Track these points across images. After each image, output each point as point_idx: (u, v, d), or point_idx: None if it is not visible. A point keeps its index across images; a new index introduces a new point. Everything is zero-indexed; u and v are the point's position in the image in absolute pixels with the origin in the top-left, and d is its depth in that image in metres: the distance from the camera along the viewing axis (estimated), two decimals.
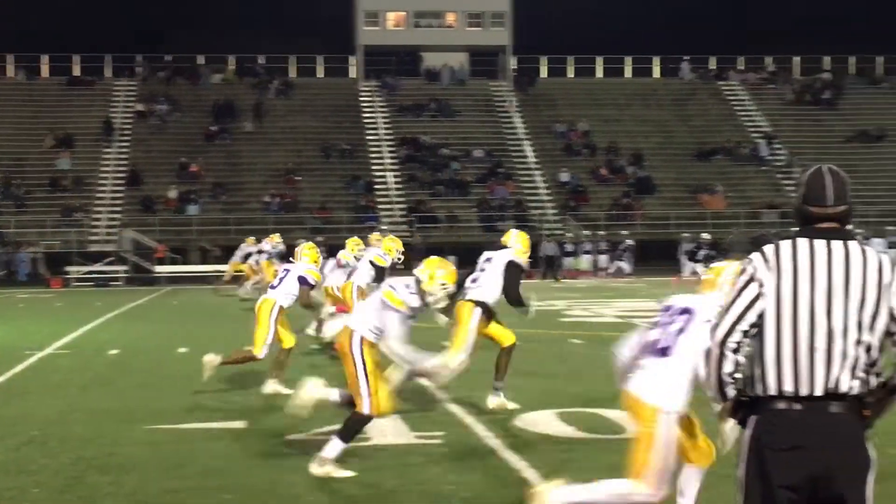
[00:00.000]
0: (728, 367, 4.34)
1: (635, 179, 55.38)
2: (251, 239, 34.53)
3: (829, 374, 4.20)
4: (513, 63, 65.01)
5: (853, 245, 4.30)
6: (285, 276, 13.61)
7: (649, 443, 6.30)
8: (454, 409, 11.81)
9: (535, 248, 47.89)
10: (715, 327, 4.40)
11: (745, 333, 4.32)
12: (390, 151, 56.87)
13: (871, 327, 4.21)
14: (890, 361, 4.32)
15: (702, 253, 41.78)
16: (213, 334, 21.40)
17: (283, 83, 61.46)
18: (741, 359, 4.34)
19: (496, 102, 61.81)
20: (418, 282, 9.11)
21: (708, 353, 4.40)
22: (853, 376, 4.20)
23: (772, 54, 66.46)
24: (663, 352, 6.43)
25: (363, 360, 8.88)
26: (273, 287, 13.60)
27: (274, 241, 32.12)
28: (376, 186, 54.10)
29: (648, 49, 65.55)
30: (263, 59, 63.83)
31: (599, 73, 65.99)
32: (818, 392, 4.20)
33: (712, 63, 66.22)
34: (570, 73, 65.82)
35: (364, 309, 9.30)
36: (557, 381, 13.79)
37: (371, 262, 17.13)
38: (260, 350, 13.14)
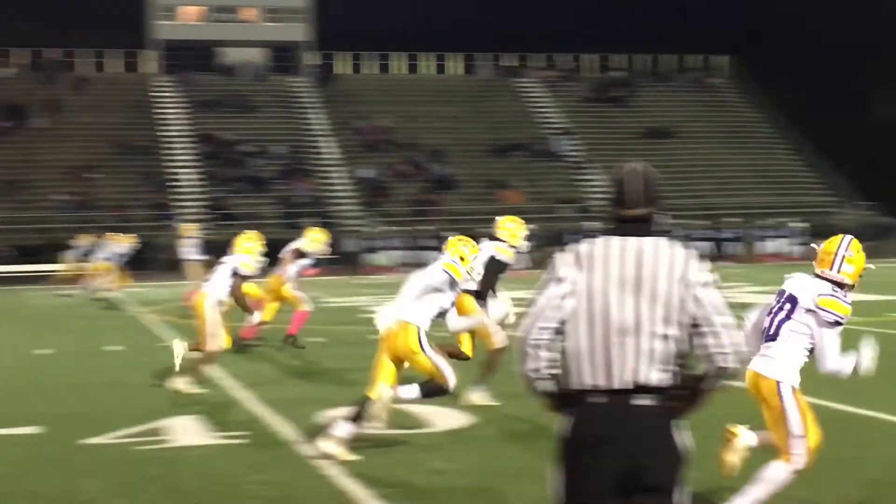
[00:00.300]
0: (532, 363, 4.40)
1: (436, 175, 55.87)
2: (85, 237, 33.29)
3: (630, 368, 4.28)
4: (313, 59, 64.76)
5: (650, 241, 4.40)
6: (219, 268, 13.67)
7: (782, 416, 6.88)
8: (258, 408, 11.70)
9: (335, 244, 48.05)
10: (523, 324, 4.46)
11: (553, 330, 4.39)
12: (188, 148, 55.99)
13: (668, 320, 4.31)
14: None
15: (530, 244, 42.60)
16: (3, 335, 20.73)
17: (76, 78, 59.82)
18: (550, 354, 4.40)
19: (296, 98, 61.49)
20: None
21: (517, 350, 4.46)
22: (656, 369, 4.28)
23: (566, 52, 67.89)
24: (775, 337, 7.02)
25: (432, 349, 9.35)
26: (207, 281, 13.62)
27: (125, 242, 31.14)
28: (174, 184, 53.21)
29: (447, 46, 66.20)
30: (56, 53, 61.98)
31: (399, 69, 66.31)
32: (622, 385, 4.28)
33: (508, 60, 67.28)
34: (371, 70, 65.95)
35: (419, 301, 9.44)
36: (357, 377, 13.77)
37: (297, 251, 17.40)
38: (212, 343, 12.85)
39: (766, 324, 7.10)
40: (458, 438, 9.91)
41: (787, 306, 7.04)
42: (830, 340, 6.92)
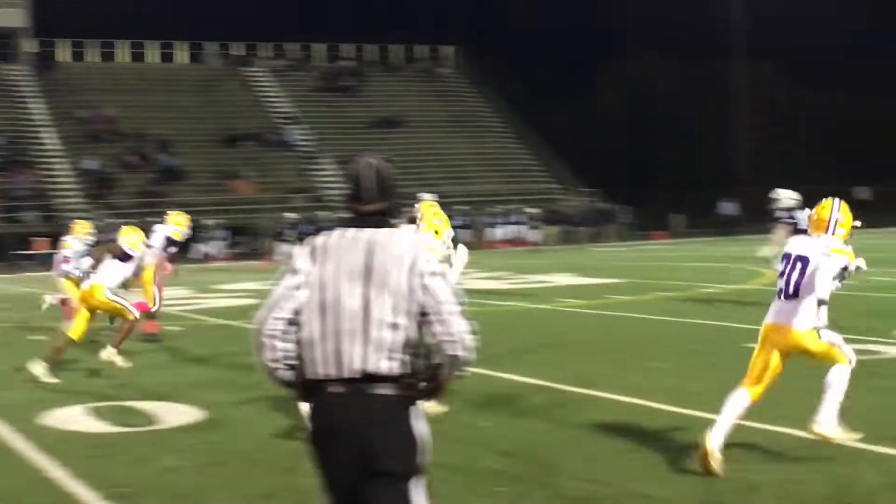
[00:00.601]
0: (269, 353, 4.44)
1: (163, 166, 54.80)
2: None
3: (358, 357, 4.33)
4: (31, 46, 62.24)
5: (384, 232, 4.47)
6: (106, 258, 14.03)
7: (824, 345, 7.85)
8: None
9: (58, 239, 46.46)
10: (258, 315, 4.50)
11: (287, 321, 4.43)
12: None
13: (397, 309, 4.35)
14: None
15: (289, 233, 42.45)
16: None
17: None
18: (285, 345, 4.44)
19: (14, 87, 59.08)
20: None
21: (253, 341, 4.49)
22: (387, 357, 4.33)
23: (295, 41, 67.64)
24: (796, 294, 7.85)
25: None
26: (95, 270, 14.08)
27: None
28: None
29: (172, 34, 64.90)
30: None
31: (123, 57, 64.57)
32: (351, 374, 4.33)
33: (236, 49, 66.51)
34: (93, 58, 63.97)
35: None
36: (87, 376, 13.36)
37: (168, 239, 17.34)
38: (131, 314, 13.62)
39: (782, 284, 7.97)
40: (189, 434, 9.70)
41: (799, 265, 7.93)
42: (827, 272, 7.77)
